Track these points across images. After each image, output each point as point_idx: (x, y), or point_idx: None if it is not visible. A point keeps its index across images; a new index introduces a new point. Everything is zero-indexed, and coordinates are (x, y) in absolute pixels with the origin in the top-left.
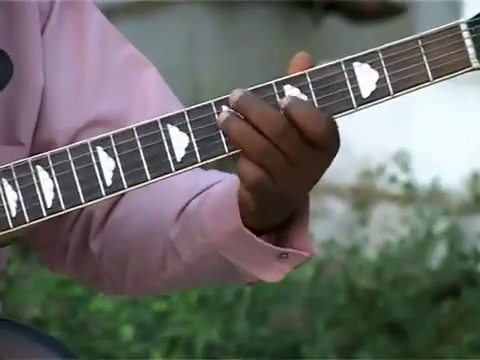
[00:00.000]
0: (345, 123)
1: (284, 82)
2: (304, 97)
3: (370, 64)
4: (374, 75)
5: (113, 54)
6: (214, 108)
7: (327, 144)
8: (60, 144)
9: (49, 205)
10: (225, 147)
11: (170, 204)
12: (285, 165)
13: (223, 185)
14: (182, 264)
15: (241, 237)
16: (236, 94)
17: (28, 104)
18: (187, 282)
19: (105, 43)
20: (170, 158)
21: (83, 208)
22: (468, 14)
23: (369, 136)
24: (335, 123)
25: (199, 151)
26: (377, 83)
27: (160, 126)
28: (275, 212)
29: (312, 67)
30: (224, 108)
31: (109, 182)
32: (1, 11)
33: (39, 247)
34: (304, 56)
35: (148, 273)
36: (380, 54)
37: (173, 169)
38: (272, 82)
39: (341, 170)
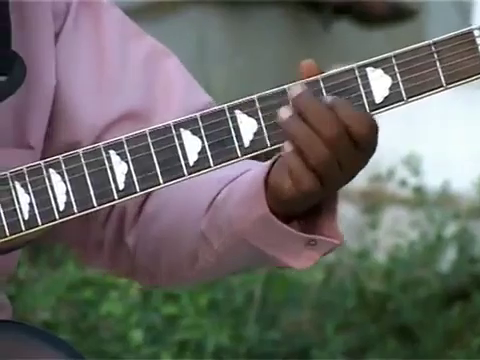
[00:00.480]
0: None
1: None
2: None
3: (383, 69)
4: (387, 80)
5: (133, 48)
6: (227, 112)
7: (369, 144)
8: (86, 143)
9: (61, 208)
10: (238, 151)
11: (200, 196)
12: (336, 171)
13: (251, 174)
14: (214, 254)
15: (269, 224)
16: (295, 90)
17: (38, 108)
18: (220, 271)
19: (124, 38)
20: (183, 162)
21: (114, 205)
22: (477, 16)
23: (379, 139)
24: (376, 124)
25: (212, 155)
26: (390, 88)
27: (173, 130)
28: (311, 203)
29: (321, 73)
30: (283, 108)
31: (122, 186)
32: (14, 15)
33: (73, 243)
34: (310, 64)
35: (181, 264)
36: (393, 60)
37: (186, 173)
38: (286, 87)
39: None
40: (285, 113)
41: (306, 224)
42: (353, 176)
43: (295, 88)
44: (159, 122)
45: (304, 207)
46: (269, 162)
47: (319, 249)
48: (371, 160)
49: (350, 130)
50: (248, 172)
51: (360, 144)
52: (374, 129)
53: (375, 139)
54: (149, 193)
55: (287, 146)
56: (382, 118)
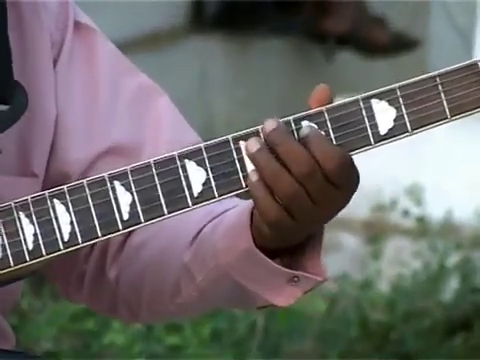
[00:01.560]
0: (357, 157)
1: (302, 118)
2: (322, 134)
3: (388, 101)
4: (392, 112)
5: (125, 83)
6: (232, 144)
7: (343, 180)
8: (74, 175)
9: (66, 238)
10: (242, 182)
11: (186, 229)
12: (308, 205)
13: (238, 208)
14: (196, 288)
15: (252, 258)
16: (269, 126)
17: (41, 136)
18: (200, 307)
19: (117, 73)
20: (187, 193)
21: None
22: None
23: (381, 170)
24: (350, 160)
25: (216, 186)
26: (395, 120)
27: (178, 161)
28: (290, 240)
29: (331, 101)
30: (251, 139)
31: (126, 216)
32: (14, 43)
33: (55, 278)
34: (324, 88)
35: (163, 298)
36: (398, 91)
37: (190, 204)
38: (290, 118)
39: (354, 204)
40: (253, 146)
41: (290, 261)
42: (335, 212)
43: (269, 123)
44: (145, 158)
45: (283, 242)
46: None
47: (301, 286)
48: (373, 190)
49: (321, 166)
50: (236, 207)
51: (332, 180)
52: (345, 165)
53: (349, 175)
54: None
55: (252, 175)
56: (384, 148)
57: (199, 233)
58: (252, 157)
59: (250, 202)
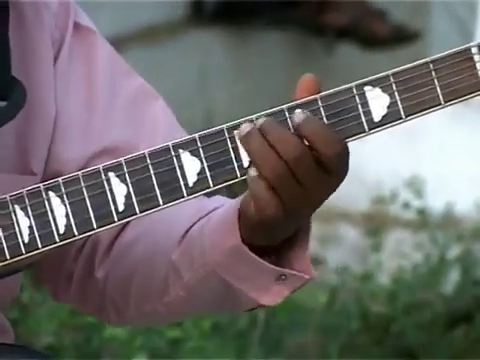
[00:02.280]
0: (357, 148)
1: (295, 107)
2: (316, 119)
3: (381, 88)
4: (385, 99)
5: (122, 85)
6: (226, 133)
7: (336, 166)
8: (69, 173)
9: (62, 231)
10: (237, 172)
11: (175, 228)
12: (297, 190)
13: (225, 207)
14: (183, 287)
15: (240, 256)
16: (261, 119)
17: (41, 134)
18: (189, 308)
19: (114, 74)
20: (182, 183)
21: (88, 236)
22: None
23: (382, 161)
24: (346, 147)
25: (211, 176)
26: (389, 107)
27: (172, 151)
28: (278, 231)
29: (321, 91)
30: (244, 124)
31: (121, 207)
32: (15, 41)
33: (44, 279)
34: (311, 78)
35: (151, 297)
36: (391, 78)
37: (185, 194)
38: (284, 107)
39: (354, 196)
40: (245, 129)
41: (277, 259)
42: (324, 198)
43: (262, 118)
44: None
45: (272, 237)
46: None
47: (289, 284)
48: (374, 182)
49: (314, 149)
50: (224, 205)
51: (325, 164)
52: (343, 151)
53: (343, 161)
54: (125, 224)
55: (252, 171)
56: (384, 140)
57: (188, 231)
58: (244, 140)
59: (237, 200)
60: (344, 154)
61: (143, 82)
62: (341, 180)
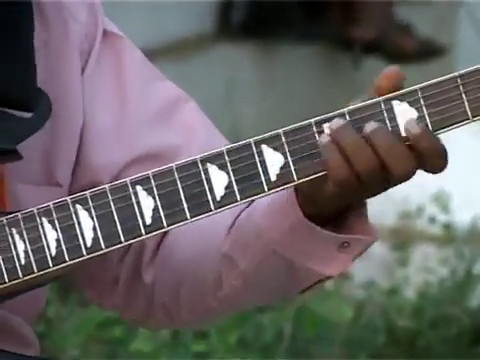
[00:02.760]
0: None
1: (324, 120)
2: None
3: (409, 102)
4: (413, 113)
5: (153, 90)
6: (254, 147)
7: (402, 178)
8: (105, 181)
9: (89, 244)
10: (265, 186)
11: (219, 221)
12: (358, 188)
13: (270, 195)
14: (240, 275)
15: (302, 230)
16: (336, 123)
17: (67, 145)
18: (244, 298)
19: (145, 79)
20: (209, 197)
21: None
22: None
23: None
24: (413, 161)
25: (239, 190)
26: (416, 121)
27: (200, 165)
28: (352, 198)
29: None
30: (325, 130)
31: (149, 221)
32: (41, 53)
33: (85, 284)
34: (395, 72)
35: (203, 294)
36: (419, 92)
37: (213, 208)
38: (312, 121)
39: (381, 211)
40: (324, 139)
41: (336, 228)
42: (381, 191)
43: (336, 121)
44: None
45: (344, 200)
46: None
47: (352, 251)
48: (400, 197)
49: (385, 162)
50: None
51: (395, 177)
52: (411, 167)
53: (410, 176)
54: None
55: (323, 137)
56: None
57: (236, 219)
58: (334, 131)
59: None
60: (412, 169)
61: (173, 85)
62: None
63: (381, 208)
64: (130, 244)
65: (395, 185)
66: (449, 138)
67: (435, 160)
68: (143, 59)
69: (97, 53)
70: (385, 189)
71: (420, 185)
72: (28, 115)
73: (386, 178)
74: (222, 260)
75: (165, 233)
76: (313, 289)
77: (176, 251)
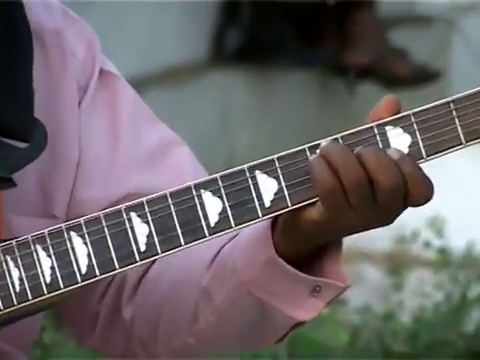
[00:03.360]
0: None
1: (317, 146)
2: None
3: (402, 128)
4: (406, 139)
5: (146, 131)
6: (247, 173)
7: (389, 193)
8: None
9: (83, 271)
10: (259, 211)
11: (202, 254)
12: (345, 207)
13: (254, 225)
14: (215, 312)
15: (274, 268)
16: (327, 142)
17: (63, 177)
18: (219, 336)
19: (138, 121)
20: (203, 223)
21: (114, 276)
22: None
23: None
24: (403, 184)
25: (233, 215)
26: (410, 147)
27: (193, 191)
28: (313, 241)
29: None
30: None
31: (143, 247)
32: (40, 85)
33: (68, 320)
34: (394, 101)
35: (179, 329)
36: (412, 118)
37: (207, 234)
38: (305, 147)
39: (375, 236)
40: (313, 156)
41: (310, 271)
42: (370, 227)
43: (328, 141)
44: None
45: (308, 245)
46: None
47: (324, 296)
48: (395, 222)
49: (375, 178)
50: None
51: (382, 196)
52: (399, 186)
53: (397, 197)
54: (152, 261)
55: (312, 156)
56: None
57: (217, 254)
58: (324, 147)
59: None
60: (400, 189)
61: (166, 129)
62: (393, 215)
63: (376, 233)
64: (111, 280)
65: (383, 210)
66: (443, 162)
67: (419, 188)
68: (138, 99)
69: (93, 90)
70: (372, 214)
71: (415, 210)
72: (24, 145)
73: (374, 196)
74: (200, 294)
75: (148, 267)
76: (287, 337)
77: (158, 285)
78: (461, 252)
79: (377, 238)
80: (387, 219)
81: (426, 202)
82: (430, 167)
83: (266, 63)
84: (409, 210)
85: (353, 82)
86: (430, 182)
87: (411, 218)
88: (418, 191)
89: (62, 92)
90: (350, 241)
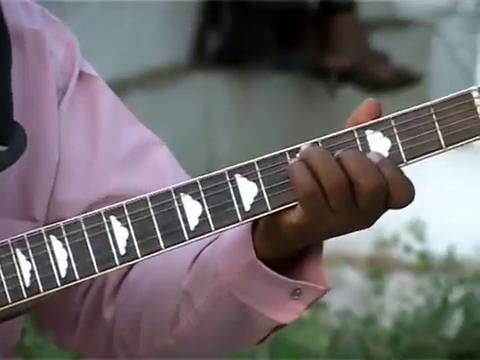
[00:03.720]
0: None
1: (297, 150)
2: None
3: (382, 132)
4: (386, 143)
5: (125, 132)
6: (227, 176)
7: (370, 195)
8: (69, 218)
9: (63, 274)
10: (239, 215)
11: (182, 257)
12: (325, 210)
13: (235, 229)
14: (195, 314)
15: (254, 272)
16: (306, 146)
17: (43, 179)
18: (199, 338)
19: (117, 121)
20: (183, 226)
21: (93, 279)
22: None
23: None
24: (384, 185)
25: (212, 219)
26: (390, 150)
27: (173, 195)
28: (294, 244)
29: (324, 134)
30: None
31: (123, 251)
32: (19, 87)
33: (48, 322)
34: (375, 104)
35: (160, 330)
36: (392, 122)
37: (187, 238)
38: (285, 150)
39: (356, 240)
40: (293, 160)
41: (290, 275)
42: (349, 231)
43: (307, 145)
44: None
45: (293, 245)
46: None
47: (304, 299)
48: (375, 226)
49: (355, 181)
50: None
51: (359, 198)
52: (380, 187)
53: (378, 200)
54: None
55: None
56: None
57: (197, 257)
58: (304, 151)
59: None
60: (381, 189)
61: (146, 130)
62: (373, 216)
63: (357, 236)
64: (92, 281)
65: (364, 213)
66: (424, 166)
67: (401, 190)
68: (116, 101)
69: (72, 92)
70: (353, 218)
71: (395, 213)
72: (2, 148)
73: (354, 199)
74: (181, 296)
75: (129, 269)
76: (268, 339)
77: (139, 286)
78: (442, 256)
79: (358, 242)
80: (367, 222)
81: (407, 204)
82: (410, 171)
83: (247, 66)
84: (389, 214)
85: (334, 85)
86: (411, 184)
87: (391, 222)
88: (399, 193)
89: (41, 93)
90: (331, 245)
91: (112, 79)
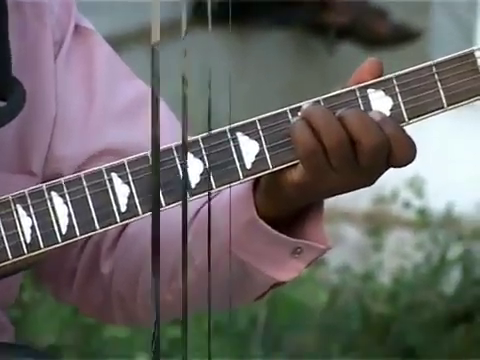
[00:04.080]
0: None
1: (299, 108)
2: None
3: (384, 91)
4: (388, 102)
5: (122, 86)
6: (229, 134)
7: (372, 153)
8: (65, 173)
9: (64, 231)
10: (240, 173)
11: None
12: (326, 169)
13: (235, 186)
14: (194, 271)
15: (255, 229)
16: (308, 104)
17: (41, 134)
18: (198, 295)
19: (114, 75)
20: (184, 184)
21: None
22: None
23: None
24: (387, 143)
25: (214, 177)
26: (391, 109)
27: (175, 152)
28: (295, 203)
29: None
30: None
31: (124, 208)
32: (16, 42)
33: (46, 276)
34: (377, 63)
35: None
36: (394, 81)
37: (188, 195)
38: (286, 109)
39: (355, 196)
40: (295, 118)
41: (290, 233)
42: (352, 188)
43: (309, 104)
44: None
45: (291, 206)
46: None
47: (304, 257)
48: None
49: (358, 140)
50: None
51: (361, 156)
52: (383, 145)
53: (380, 158)
54: None
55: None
56: None
57: (197, 213)
58: (305, 109)
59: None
60: (383, 147)
61: (143, 84)
62: (375, 176)
63: (355, 193)
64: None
65: (365, 171)
66: (424, 123)
67: (403, 148)
68: (113, 55)
69: (68, 45)
70: (354, 176)
71: (394, 170)
72: (2, 104)
73: (356, 158)
74: (180, 252)
75: (125, 224)
76: (267, 295)
77: (137, 241)
78: (441, 212)
79: (356, 198)
80: (369, 180)
81: (409, 162)
82: (410, 128)
83: (245, 23)
84: (389, 171)
85: (332, 41)
86: (413, 142)
87: (390, 178)
88: (401, 151)
89: (39, 48)
90: (330, 201)
91: (109, 35)
